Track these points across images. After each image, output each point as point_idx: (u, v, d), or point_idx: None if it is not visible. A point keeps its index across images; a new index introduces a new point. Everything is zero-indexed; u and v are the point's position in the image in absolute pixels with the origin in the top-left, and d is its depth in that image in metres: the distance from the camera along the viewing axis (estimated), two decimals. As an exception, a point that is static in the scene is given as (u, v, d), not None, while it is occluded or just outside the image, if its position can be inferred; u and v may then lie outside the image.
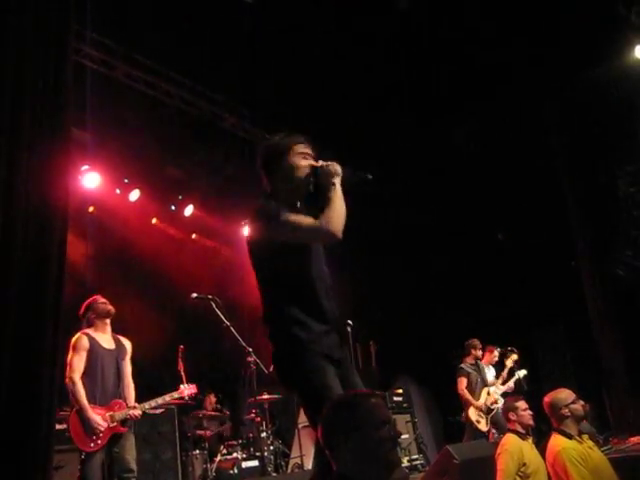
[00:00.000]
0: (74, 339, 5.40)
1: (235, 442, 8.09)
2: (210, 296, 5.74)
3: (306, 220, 2.93)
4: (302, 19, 7.95)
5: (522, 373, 8.58)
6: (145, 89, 8.62)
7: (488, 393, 8.34)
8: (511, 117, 9.89)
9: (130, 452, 5.32)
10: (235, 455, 7.76)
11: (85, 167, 8.30)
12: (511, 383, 8.49)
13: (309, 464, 8.11)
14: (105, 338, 5.50)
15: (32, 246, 3.00)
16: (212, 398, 8.81)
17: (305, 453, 8.12)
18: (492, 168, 10.28)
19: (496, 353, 8.76)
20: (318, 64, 8.52)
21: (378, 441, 2.12)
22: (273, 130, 10.33)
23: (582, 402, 4.76)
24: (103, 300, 5.55)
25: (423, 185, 10.59)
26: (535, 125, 10.19)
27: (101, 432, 5.14)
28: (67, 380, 5.22)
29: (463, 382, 8.33)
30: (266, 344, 7.20)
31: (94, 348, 5.38)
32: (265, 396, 7.63)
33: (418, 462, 9.49)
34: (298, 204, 3.13)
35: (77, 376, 5.24)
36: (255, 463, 7.70)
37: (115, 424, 5.25)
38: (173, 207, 9.83)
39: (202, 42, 7.95)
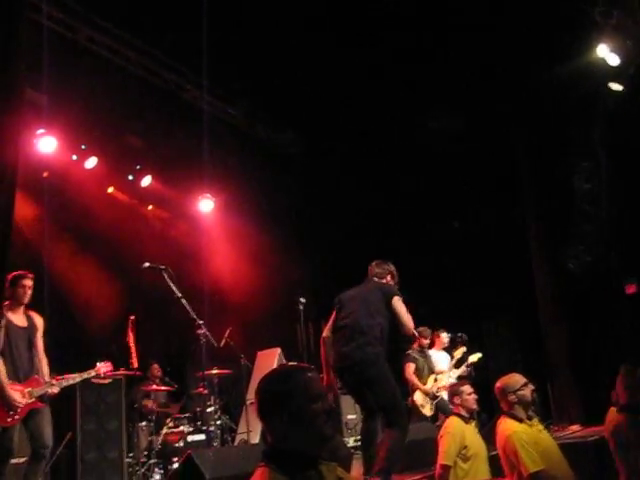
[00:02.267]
0: None
1: (182, 415, 8.07)
2: (163, 266, 5.69)
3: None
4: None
5: (477, 356, 8.70)
6: (108, 54, 8.46)
7: (435, 380, 8.47)
8: (475, 108, 9.97)
9: (47, 427, 5.42)
10: (182, 428, 7.75)
11: (41, 131, 8.10)
12: (464, 367, 8.64)
13: (255, 440, 8.16)
14: (18, 316, 5.52)
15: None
16: (155, 369, 8.70)
17: (252, 429, 8.16)
18: (451, 157, 10.38)
19: (444, 337, 8.89)
20: (284, 38, 8.48)
21: (312, 414, 2.14)
22: (234, 103, 10.33)
23: (532, 387, 4.84)
24: (29, 284, 5.52)
25: (383, 167, 10.65)
26: (497, 117, 10.29)
27: (19, 408, 5.22)
28: None
29: (411, 367, 8.44)
30: (217, 319, 7.15)
31: (8, 326, 5.40)
32: (214, 371, 7.63)
33: (364, 442, 9.62)
34: None
35: None
36: (202, 437, 7.71)
37: (33, 400, 5.32)
38: (130, 177, 9.69)
39: (167, 11, 7.83)
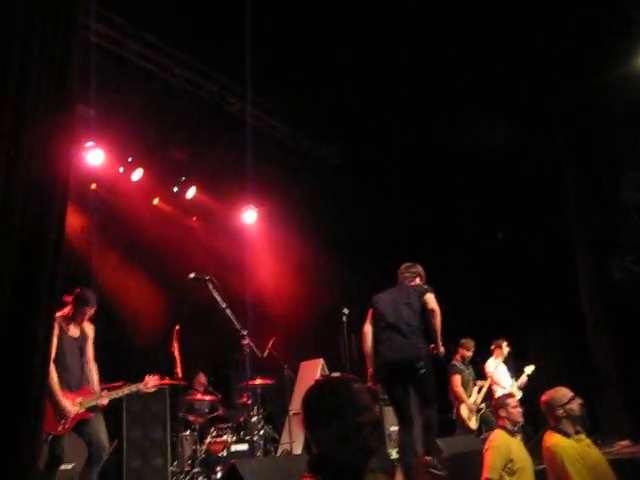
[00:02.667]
0: None
1: (225, 425, 8.12)
2: (207, 277, 5.76)
3: None
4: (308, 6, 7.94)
5: (529, 369, 8.67)
6: (153, 68, 8.61)
7: (478, 391, 8.39)
8: (519, 118, 9.88)
9: (102, 432, 5.53)
10: (225, 438, 7.78)
11: (90, 144, 8.29)
12: (524, 378, 8.61)
13: (298, 450, 8.16)
14: (71, 326, 5.66)
15: (32, 218, 2.99)
16: (202, 378, 8.79)
17: (295, 440, 8.18)
18: (498, 167, 10.29)
19: (505, 347, 8.86)
20: (329, 50, 8.53)
21: (358, 425, 2.14)
22: (277, 115, 10.40)
23: (579, 401, 4.75)
24: (91, 314, 5.68)
25: (427, 178, 10.61)
26: (542, 127, 10.17)
27: (69, 417, 5.32)
28: None
29: (458, 379, 8.38)
30: (260, 330, 7.20)
31: (63, 336, 5.53)
32: (258, 381, 7.66)
33: (407, 455, 9.54)
34: None
35: (50, 361, 5.33)
36: (245, 447, 7.73)
37: (83, 410, 5.42)
38: (175, 189, 9.83)
39: (212, 24, 7.95)
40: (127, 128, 8.52)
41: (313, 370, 8.89)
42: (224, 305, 5.68)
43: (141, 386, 5.88)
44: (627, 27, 8.10)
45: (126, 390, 5.79)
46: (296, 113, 10.29)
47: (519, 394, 8.50)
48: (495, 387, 8.61)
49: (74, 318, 5.64)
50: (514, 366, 8.96)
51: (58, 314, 5.55)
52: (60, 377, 5.37)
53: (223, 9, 7.71)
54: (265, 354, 7.20)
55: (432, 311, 5.81)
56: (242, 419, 8.11)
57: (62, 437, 5.32)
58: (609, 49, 8.46)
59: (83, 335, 5.72)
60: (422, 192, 10.77)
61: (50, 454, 5.29)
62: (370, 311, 6.13)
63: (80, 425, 5.43)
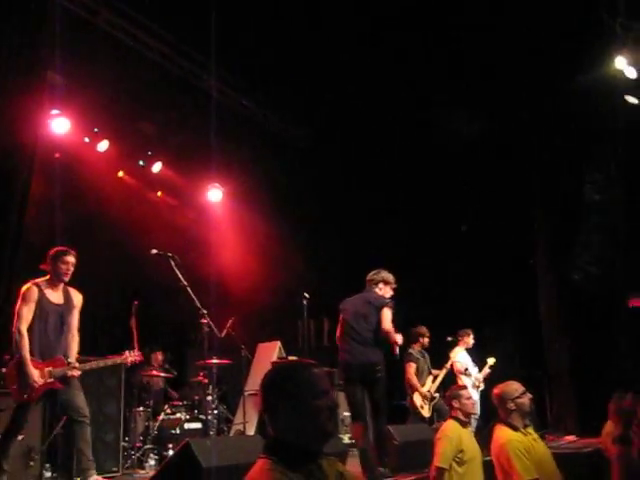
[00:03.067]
0: (24, 289, 5.34)
1: (180, 403, 8.10)
2: (170, 254, 5.67)
3: None
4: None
5: (492, 361, 8.83)
6: (126, 39, 8.46)
7: (433, 380, 8.49)
8: (490, 114, 9.97)
9: (78, 397, 5.32)
10: (179, 415, 7.77)
11: (55, 112, 8.11)
12: (486, 369, 8.77)
13: (251, 431, 8.18)
14: (55, 292, 5.44)
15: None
16: (159, 356, 8.74)
17: (248, 420, 8.19)
18: (463, 160, 10.37)
19: (471, 338, 9.02)
20: (301, 33, 8.49)
21: (316, 409, 2.15)
22: (248, 94, 10.29)
23: (529, 396, 4.84)
24: (72, 261, 5.43)
25: (394, 166, 10.66)
26: (511, 124, 10.28)
27: (36, 386, 5.15)
28: (14, 329, 5.21)
29: (412, 367, 8.44)
30: (220, 309, 7.15)
31: (42, 301, 5.33)
32: (214, 360, 7.64)
33: (358, 440, 9.64)
34: None
35: (24, 327, 5.22)
36: (198, 425, 7.75)
37: (52, 380, 5.24)
38: (141, 162, 9.70)
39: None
40: (95, 98, 8.37)
41: (270, 352, 8.89)
42: (185, 283, 5.60)
43: (119, 360, 5.70)
44: (602, 31, 8.20)
45: (101, 363, 5.62)
46: (268, 94, 10.23)
47: (482, 385, 8.67)
48: (461, 376, 8.75)
49: (54, 280, 5.40)
50: (473, 358, 9.10)
51: (39, 279, 5.39)
52: (32, 344, 5.20)
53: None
54: (223, 334, 7.17)
55: (384, 331, 6.18)
56: (197, 398, 8.11)
57: (27, 405, 5.17)
58: (584, 52, 8.57)
59: (68, 303, 5.49)
60: (389, 180, 10.82)
61: (11, 421, 5.16)
62: (340, 317, 6.51)
63: (49, 395, 5.26)
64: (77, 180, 8.49)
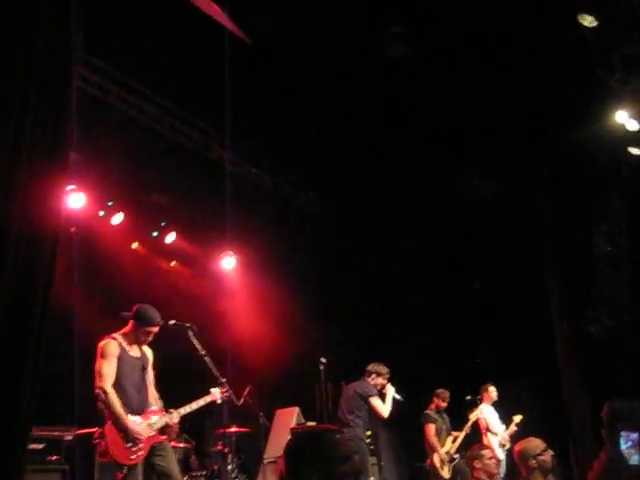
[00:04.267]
0: (103, 344, 5.11)
1: (199, 473, 8.01)
2: (188, 324, 5.69)
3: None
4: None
5: (518, 418, 8.72)
6: (136, 113, 8.70)
7: (453, 441, 8.40)
8: (497, 170, 10.10)
9: (173, 463, 5.08)
10: (199, 486, 7.69)
11: (71, 187, 8.30)
12: (513, 427, 8.66)
13: (272, 500, 8.06)
14: (132, 346, 5.26)
15: (24, 262, 3.01)
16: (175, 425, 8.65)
17: (269, 489, 8.08)
18: (477, 217, 10.46)
19: (492, 391, 8.95)
20: (309, 99, 8.71)
21: (340, 475, 2.17)
22: (258, 162, 10.50)
23: (551, 453, 4.79)
24: (155, 331, 5.28)
25: (406, 228, 10.75)
26: (520, 181, 10.40)
27: (142, 442, 4.85)
28: (97, 390, 4.92)
29: (431, 429, 8.39)
30: (236, 378, 7.15)
31: (123, 355, 5.11)
32: (233, 429, 7.60)
33: (382, 505, 9.48)
34: None
35: (109, 385, 4.94)
36: (219, 496, 7.66)
37: (154, 433, 4.99)
38: (155, 233, 9.84)
39: (194, 71, 8.11)
40: (108, 172, 8.56)
41: (288, 418, 8.82)
42: (203, 352, 5.62)
43: (209, 398, 5.55)
44: (600, 86, 8.37)
45: (194, 405, 5.42)
46: (277, 161, 10.43)
47: (508, 444, 8.53)
48: (488, 434, 8.64)
49: (137, 338, 5.22)
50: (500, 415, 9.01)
51: (117, 333, 5.20)
52: (123, 400, 4.94)
53: (206, 57, 7.89)
54: (241, 402, 7.14)
55: (377, 415, 7.56)
56: (216, 467, 8.02)
57: (137, 467, 4.84)
58: (584, 107, 8.73)
59: (144, 356, 5.31)
60: (400, 241, 10.89)
61: None
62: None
63: (151, 455, 4.95)
64: (93, 253, 8.61)
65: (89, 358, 7.61)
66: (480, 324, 10.62)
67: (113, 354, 5.03)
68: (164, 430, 5.12)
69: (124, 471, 4.71)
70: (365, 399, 7.41)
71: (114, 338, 5.16)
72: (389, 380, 7.60)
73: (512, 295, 10.50)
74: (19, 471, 2.99)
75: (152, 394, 5.31)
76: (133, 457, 4.79)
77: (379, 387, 7.54)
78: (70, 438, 6.81)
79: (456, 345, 10.59)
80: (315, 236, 10.96)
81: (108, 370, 4.98)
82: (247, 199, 9.96)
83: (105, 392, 4.88)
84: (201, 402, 5.50)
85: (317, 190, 11.32)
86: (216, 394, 5.59)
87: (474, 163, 9.77)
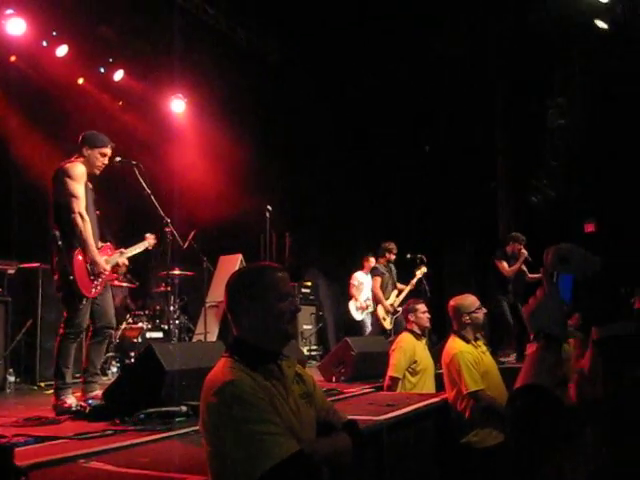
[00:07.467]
0: (72, 166, 4.65)
1: (141, 312, 8.18)
2: (134, 162, 5.53)
3: None
4: None
5: (422, 271, 8.78)
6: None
7: (397, 295, 8.69)
8: (457, 37, 9.89)
9: (110, 304, 4.87)
10: (140, 325, 7.87)
11: (9, 11, 7.75)
12: (413, 281, 8.83)
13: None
14: (88, 175, 4.81)
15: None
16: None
17: (209, 331, 8.33)
18: (430, 80, 10.33)
19: (372, 261, 9.23)
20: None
21: (279, 311, 2.22)
22: (215, 3, 9.98)
23: (484, 310, 5.03)
24: (108, 154, 4.85)
25: (360, 83, 10.57)
26: (478, 46, 10.22)
27: (102, 277, 4.63)
28: (74, 213, 4.52)
29: (377, 281, 8.62)
30: (182, 221, 7.13)
31: (87, 183, 4.72)
32: (177, 271, 7.69)
33: (317, 353, 9.95)
34: None
35: (84, 209, 4.56)
36: (160, 334, 7.88)
37: (110, 269, 4.76)
38: (102, 69, 9.41)
39: None
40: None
41: (232, 264, 8.97)
42: (149, 191, 5.50)
43: (146, 243, 5.31)
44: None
45: (136, 248, 5.20)
46: (235, 3, 9.94)
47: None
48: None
49: (92, 164, 4.72)
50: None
51: (79, 160, 4.74)
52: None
53: None
54: (186, 245, 7.16)
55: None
56: (158, 308, 8.20)
57: (89, 301, 4.58)
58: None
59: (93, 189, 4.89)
60: (356, 98, 10.74)
61: (76, 324, 4.56)
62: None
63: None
64: (35, 84, 8.22)
65: (27, 189, 7.52)
66: (428, 187, 10.79)
67: (82, 178, 4.64)
68: (115, 269, 4.90)
69: (83, 302, 4.53)
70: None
71: (82, 163, 4.72)
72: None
73: (461, 163, 10.61)
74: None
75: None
76: (93, 290, 4.59)
77: None
78: (12, 272, 6.81)
79: (403, 207, 10.80)
80: (269, 86, 10.68)
81: (82, 193, 4.58)
82: (201, 41, 9.54)
83: (82, 217, 4.52)
84: (141, 246, 5.30)
85: (275, 38, 10.90)
86: (150, 238, 5.38)
87: (437, 31, 9.52)
